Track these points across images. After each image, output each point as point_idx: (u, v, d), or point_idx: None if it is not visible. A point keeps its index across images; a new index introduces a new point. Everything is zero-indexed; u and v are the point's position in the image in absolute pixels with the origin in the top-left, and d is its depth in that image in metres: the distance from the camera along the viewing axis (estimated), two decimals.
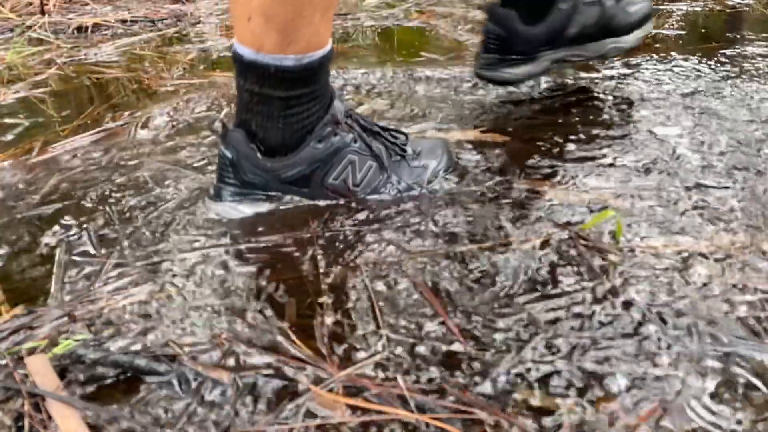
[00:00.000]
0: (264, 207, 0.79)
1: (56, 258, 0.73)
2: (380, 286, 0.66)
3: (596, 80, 1.25)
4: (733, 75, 1.25)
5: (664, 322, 0.60)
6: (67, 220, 0.81)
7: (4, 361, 0.56)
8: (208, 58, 1.55)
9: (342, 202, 0.81)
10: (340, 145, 0.79)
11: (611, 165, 0.91)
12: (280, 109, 0.76)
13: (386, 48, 1.55)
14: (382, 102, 1.17)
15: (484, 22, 1.05)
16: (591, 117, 1.07)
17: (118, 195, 0.87)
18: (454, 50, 1.50)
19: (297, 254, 0.72)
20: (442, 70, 1.33)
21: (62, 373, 0.55)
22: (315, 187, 0.80)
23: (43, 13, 1.88)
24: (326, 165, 0.79)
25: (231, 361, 0.57)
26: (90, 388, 0.54)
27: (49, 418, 0.51)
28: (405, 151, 0.86)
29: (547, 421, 0.50)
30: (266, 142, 0.78)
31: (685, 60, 1.35)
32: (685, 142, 0.96)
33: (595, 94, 1.18)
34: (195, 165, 0.95)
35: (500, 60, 1.04)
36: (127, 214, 0.82)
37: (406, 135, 0.88)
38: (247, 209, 0.79)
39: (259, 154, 0.78)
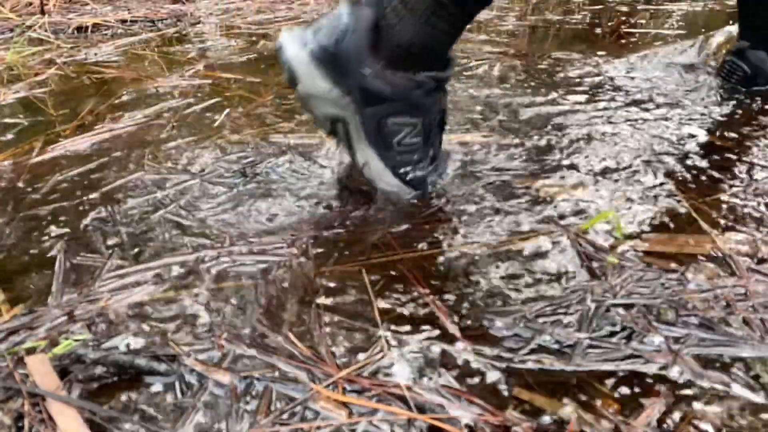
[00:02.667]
0: (319, 88, 0.74)
1: (56, 258, 0.73)
2: (379, 285, 0.66)
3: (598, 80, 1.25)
4: None
5: (664, 321, 0.60)
6: (67, 219, 0.81)
7: (4, 362, 0.56)
8: (208, 57, 1.55)
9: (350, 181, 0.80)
10: (423, 107, 0.77)
11: (610, 166, 0.91)
12: (428, 10, 0.72)
13: None
14: None
15: (728, 58, 1.22)
16: (591, 117, 1.08)
17: (118, 195, 0.87)
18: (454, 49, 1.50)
19: (296, 254, 0.72)
20: None
21: (62, 373, 0.55)
22: (370, 116, 0.76)
23: (43, 13, 1.88)
24: (399, 108, 0.76)
25: (231, 362, 0.57)
26: (90, 388, 0.54)
27: (49, 418, 0.51)
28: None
29: (548, 422, 0.50)
30: (384, 32, 0.74)
31: None
32: None
33: (601, 91, 1.18)
34: (195, 165, 0.95)
35: (745, 91, 1.19)
36: (127, 214, 0.82)
37: None
38: (306, 70, 0.74)
39: (369, 47, 0.74)
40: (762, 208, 0.78)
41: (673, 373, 0.54)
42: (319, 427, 0.50)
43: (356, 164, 0.81)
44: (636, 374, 0.54)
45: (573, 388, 0.53)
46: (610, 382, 0.53)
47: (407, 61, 0.75)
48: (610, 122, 1.05)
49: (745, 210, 0.78)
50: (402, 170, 0.81)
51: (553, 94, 1.18)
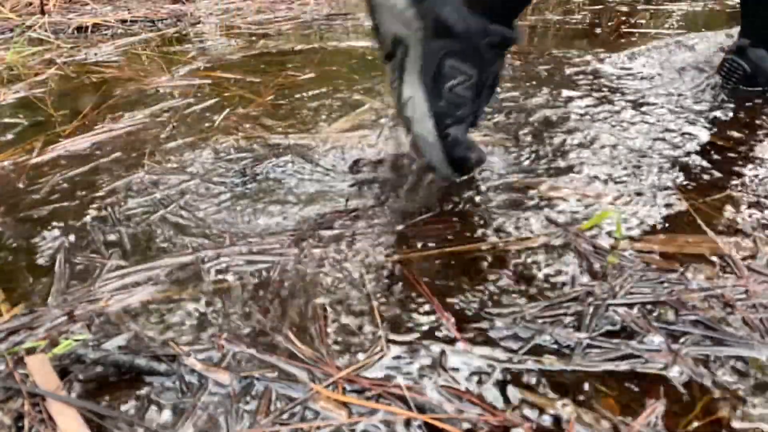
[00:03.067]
0: (395, 3, 0.73)
1: (56, 258, 0.73)
2: (379, 285, 0.66)
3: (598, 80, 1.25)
4: None
5: (664, 321, 0.60)
6: (67, 220, 0.81)
7: (4, 362, 0.56)
8: (208, 57, 1.55)
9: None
10: (483, 59, 0.76)
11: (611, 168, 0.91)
12: None
13: None
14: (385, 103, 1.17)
15: (729, 56, 1.20)
16: (591, 117, 1.08)
17: (119, 195, 0.87)
18: None
19: (296, 254, 0.72)
20: None
21: (62, 373, 0.55)
22: (433, 50, 0.75)
23: (43, 13, 1.88)
24: (463, 49, 0.75)
25: (231, 361, 0.57)
26: (90, 388, 0.54)
27: (49, 418, 0.51)
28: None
29: (547, 422, 0.50)
30: None
31: None
32: None
33: (600, 90, 1.18)
34: (195, 165, 0.95)
35: (745, 90, 1.19)
36: (127, 215, 0.82)
37: None
38: None
39: None
40: (762, 208, 0.78)
41: (673, 373, 0.54)
42: (319, 427, 0.50)
43: (400, 99, 0.79)
44: (636, 374, 0.54)
45: (573, 388, 0.53)
46: (610, 382, 0.53)
47: (483, 3, 0.74)
48: (610, 122, 1.05)
49: (745, 210, 0.78)
50: (442, 121, 0.78)
51: (553, 94, 1.18)
